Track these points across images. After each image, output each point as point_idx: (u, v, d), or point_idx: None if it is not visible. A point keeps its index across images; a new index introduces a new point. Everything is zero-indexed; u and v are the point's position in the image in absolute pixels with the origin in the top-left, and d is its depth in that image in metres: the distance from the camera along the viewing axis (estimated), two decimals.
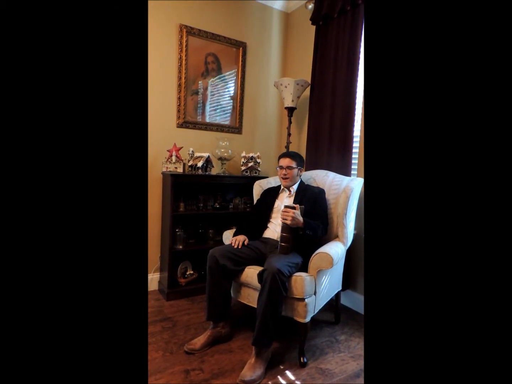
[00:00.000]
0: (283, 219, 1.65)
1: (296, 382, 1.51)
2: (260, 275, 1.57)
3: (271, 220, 1.97)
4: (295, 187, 1.97)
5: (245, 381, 1.44)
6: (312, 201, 1.86)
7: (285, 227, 1.68)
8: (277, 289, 1.50)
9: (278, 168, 1.98)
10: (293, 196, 1.94)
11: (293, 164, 1.92)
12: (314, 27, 2.50)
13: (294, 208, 1.65)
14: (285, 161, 1.93)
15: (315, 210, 1.83)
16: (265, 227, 1.97)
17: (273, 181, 2.30)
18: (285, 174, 1.92)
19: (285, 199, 1.96)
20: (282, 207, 1.75)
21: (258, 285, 1.60)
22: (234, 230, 2.12)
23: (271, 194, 2.05)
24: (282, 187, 2.02)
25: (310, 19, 2.51)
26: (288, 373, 1.57)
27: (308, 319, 1.60)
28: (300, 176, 2.02)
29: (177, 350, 1.69)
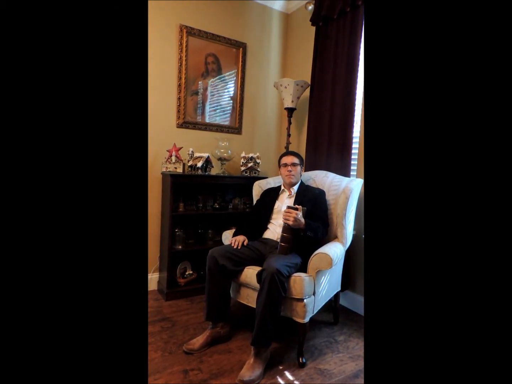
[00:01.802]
0: (285, 219, 1.66)
1: (295, 382, 1.51)
2: (259, 275, 1.57)
3: (271, 221, 1.97)
4: (295, 187, 1.97)
5: (244, 381, 1.44)
6: (313, 202, 1.86)
7: (286, 228, 1.68)
8: (276, 289, 1.50)
9: (281, 167, 2.00)
10: (294, 197, 1.94)
11: (297, 161, 1.96)
12: (314, 28, 2.51)
13: (296, 209, 1.66)
14: (289, 159, 1.97)
15: (315, 212, 1.83)
16: (265, 228, 1.98)
17: (272, 182, 2.30)
18: (290, 171, 1.94)
19: (285, 200, 1.97)
20: (283, 208, 1.76)
21: (257, 285, 1.60)
22: (233, 230, 2.12)
23: (271, 195, 2.05)
24: (282, 188, 2.03)
25: (310, 20, 2.51)
26: (287, 373, 1.57)
27: (307, 320, 1.60)
28: (301, 175, 2.03)
29: (176, 350, 1.69)
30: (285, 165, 1.96)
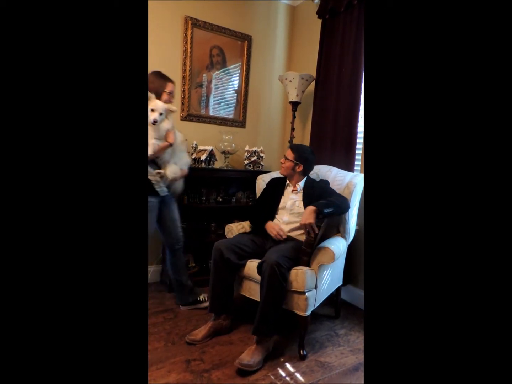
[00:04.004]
0: (307, 232, 1.64)
1: (296, 374, 1.53)
2: (260, 267, 1.60)
3: (276, 216, 1.96)
4: (301, 184, 1.96)
5: (242, 364, 1.48)
6: (321, 192, 1.86)
7: (308, 242, 1.67)
8: (276, 279, 1.52)
9: None
10: (301, 193, 1.93)
11: (290, 157, 1.93)
12: (320, 21, 2.48)
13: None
14: (286, 152, 2.00)
15: (326, 194, 1.82)
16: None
17: (276, 176, 2.30)
18: (281, 163, 1.97)
19: (290, 196, 1.95)
20: (287, 204, 1.84)
21: (259, 278, 1.61)
22: (237, 223, 2.13)
23: (277, 188, 2.03)
24: (287, 182, 2.01)
25: (317, 13, 2.48)
26: (288, 365, 1.58)
27: (308, 313, 1.62)
28: (299, 173, 1.95)
29: (179, 340, 1.72)
30: (284, 156, 1.98)
